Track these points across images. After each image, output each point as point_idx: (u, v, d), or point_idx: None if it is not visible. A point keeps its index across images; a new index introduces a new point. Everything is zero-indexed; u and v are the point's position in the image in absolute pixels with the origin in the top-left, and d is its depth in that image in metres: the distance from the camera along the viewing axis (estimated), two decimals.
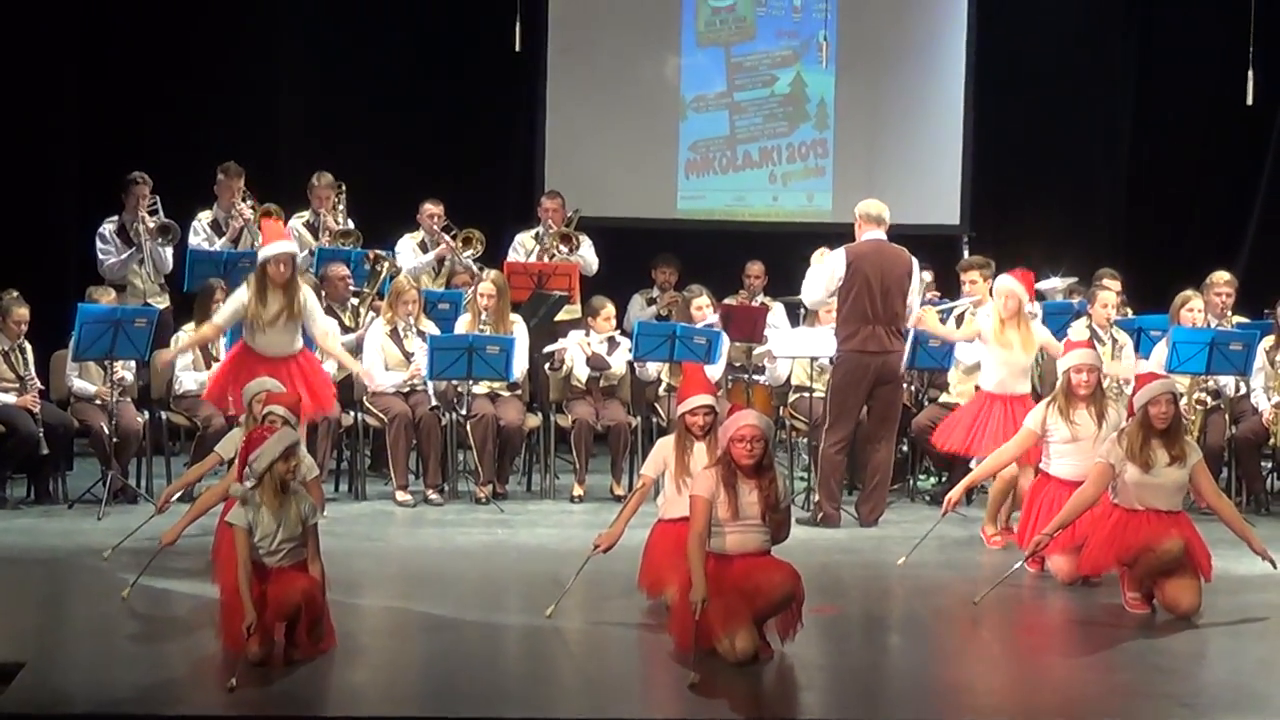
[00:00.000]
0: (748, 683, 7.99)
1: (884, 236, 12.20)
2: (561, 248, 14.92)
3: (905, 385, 13.51)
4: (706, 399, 9.20)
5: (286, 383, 10.76)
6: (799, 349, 13.03)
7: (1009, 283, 11.72)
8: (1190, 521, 9.68)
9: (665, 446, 9.39)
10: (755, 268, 15.39)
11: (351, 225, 14.73)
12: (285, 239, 12.22)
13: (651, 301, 15.63)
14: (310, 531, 8.23)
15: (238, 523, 8.11)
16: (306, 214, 14.72)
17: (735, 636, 8.07)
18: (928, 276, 15.47)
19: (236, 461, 8.73)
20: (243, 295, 11.83)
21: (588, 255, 15.08)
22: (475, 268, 14.48)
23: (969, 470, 12.95)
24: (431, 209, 14.79)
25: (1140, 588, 9.47)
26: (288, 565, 8.15)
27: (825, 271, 12.16)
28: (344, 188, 14.80)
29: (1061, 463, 10.51)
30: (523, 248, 15.06)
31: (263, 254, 11.92)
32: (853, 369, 12.04)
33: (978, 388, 12.03)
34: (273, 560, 8.12)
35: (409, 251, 14.69)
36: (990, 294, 12.19)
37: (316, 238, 14.59)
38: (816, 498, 12.26)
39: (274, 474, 8.14)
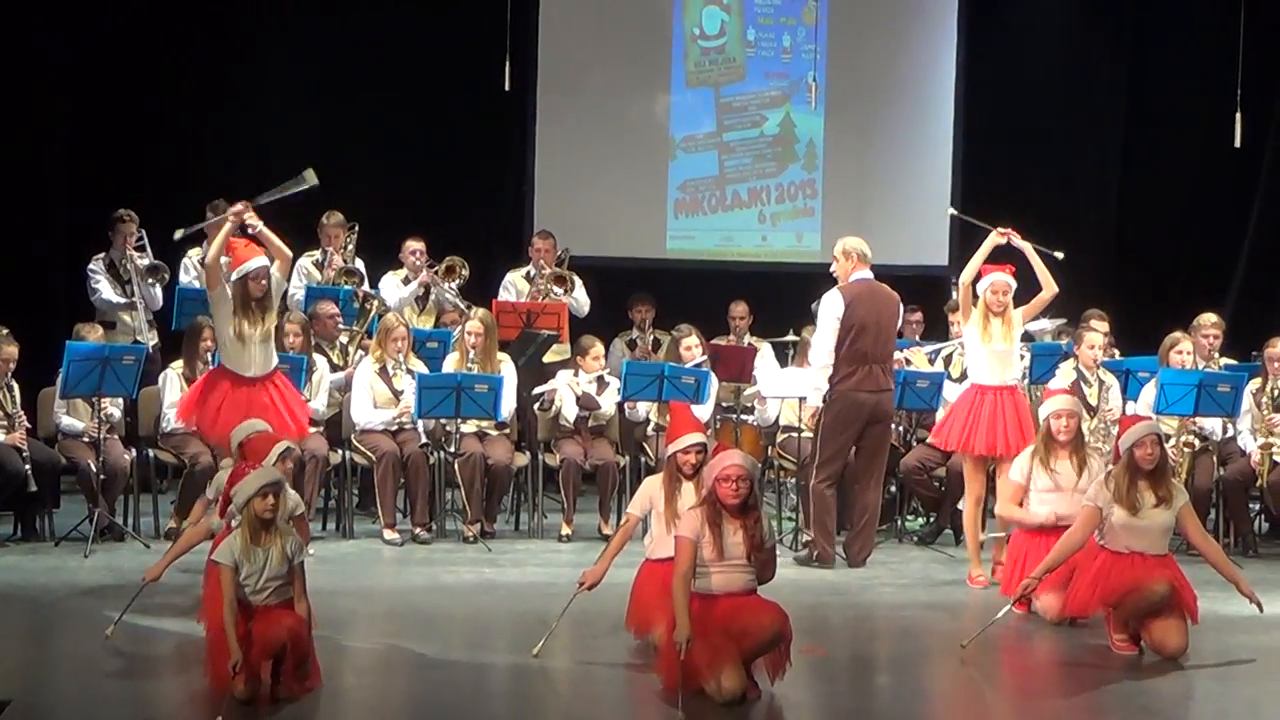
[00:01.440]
0: None
1: (872, 275, 12.21)
2: (556, 289, 14.92)
3: (894, 426, 13.54)
4: (699, 437, 9.21)
5: (265, 405, 10.83)
6: (788, 389, 13.02)
7: (1003, 277, 11.64)
8: (1176, 564, 9.69)
9: (652, 486, 9.39)
10: (739, 308, 15.40)
11: (360, 265, 14.71)
12: (261, 254, 12.05)
13: (632, 343, 15.61)
14: (296, 570, 8.22)
15: (223, 561, 8.10)
16: (316, 252, 14.73)
17: (722, 676, 8.06)
18: (917, 317, 15.53)
19: (220, 498, 8.72)
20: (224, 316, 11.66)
21: (581, 297, 15.07)
22: (462, 304, 14.48)
23: (958, 511, 13.00)
24: (413, 245, 14.77)
25: (1126, 629, 9.47)
26: (274, 604, 8.13)
27: (828, 318, 12.07)
28: (356, 227, 14.80)
29: (1044, 510, 10.54)
30: (514, 287, 15.05)
31: (243, 269, 11.65)
32: (848, 408, 12.02)
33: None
34: (259, 598, 8.10)
35: (392, 289, 14.67)
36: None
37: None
38: (805, 537, 12.25)
39: (252, 510, 8.14)
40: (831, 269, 12.29)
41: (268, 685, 8.01)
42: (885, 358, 12.09)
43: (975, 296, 11.68)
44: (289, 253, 12.05)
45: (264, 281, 11.67)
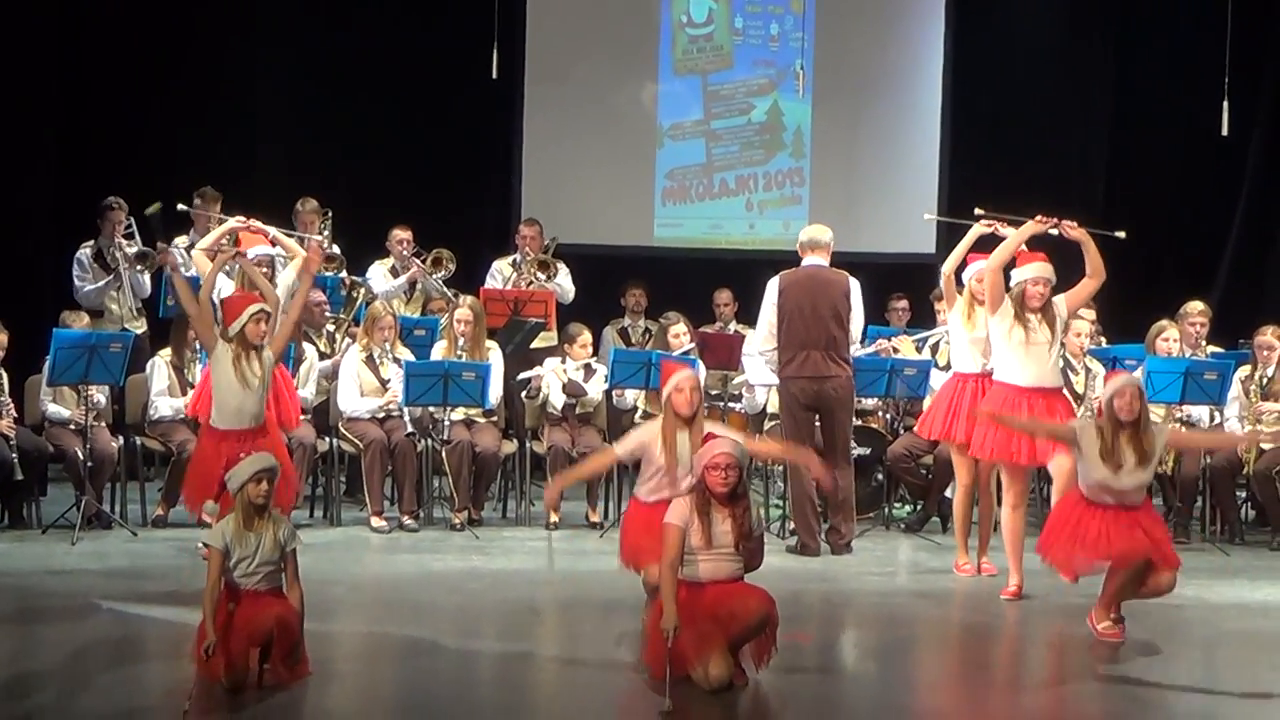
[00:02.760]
0: (722, 711, 7.99)
1: (823, 262, 12.23)
2: (539, 275, 14.94)
3: (881, 414, 13.56)
4: (691, 373, 9.25)
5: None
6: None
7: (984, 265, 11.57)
8: (1153, 510, 9.70)
9: (646, 432, 9.33)
10: (723, 295, 15.44)
11: (337, 250, 14.71)
12: (264, 243, 12.09)
13: (623, 331, 15.62)
14: (289, 556, 8.22)
15: (214, 544, 8.11)
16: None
17: (709, 664, 8.06)
18: (903, 305, 15.55)
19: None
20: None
21: (565, 283, 15.09)
22: (450, 293, 14.48)
23: (945, 499, 13.02)
24: (400, 234, 14.78)
25: (1118, 601, 9.44)
26: (264, 589, 8.13)
27: (765, 304, 12.20)
28: (330, 214, 14.79)
29: (1017, 369, 10.67)
30: (500, 274, 15.06)
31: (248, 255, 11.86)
32: (793, 394, 12.07)
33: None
34: (249, 583, 8.10)
35: (379, 278, 14.68)
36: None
37: None
38: (792, 525, 12.26)
39: (245, 495, 8.14)
40: None
41: (254, 673, 8.01)
42: (827, 344, 12.05)
43: (960, 285, 11.66)
44: (303, 251, 12.07)
45: (264, 269, 11.72)
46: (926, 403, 13.01)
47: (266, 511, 8.19)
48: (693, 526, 8.22)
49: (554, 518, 12.94)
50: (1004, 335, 10.71)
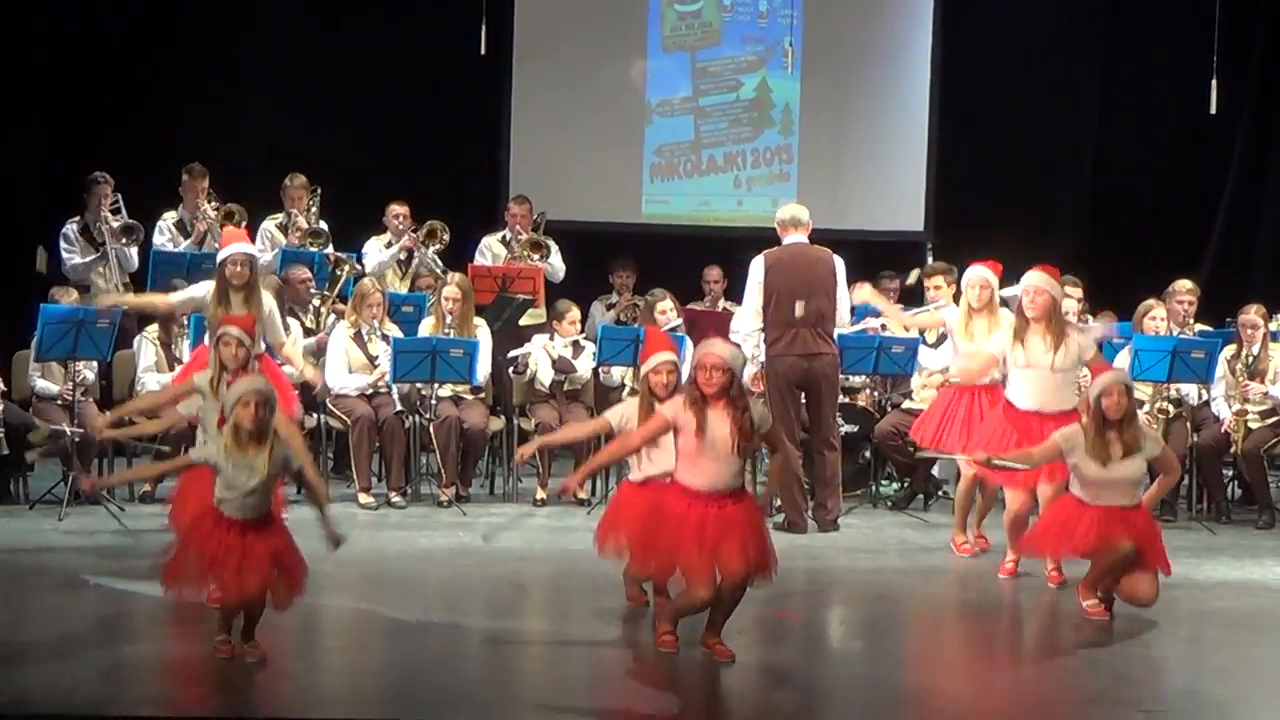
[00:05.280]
0: (709, 688, 8.01)
1: (804, 239, 12.25)
2: (532, 256, 14.93)
3: (869, 391, 13.56)
4: (669, 356, 9.11)
5: None
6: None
7: (982, 272, 11.52)
8: (1148, 513, 9.69)
9: (631, 406, 9.31)
10: (713, 273, 15.44)
11: (324, 226, 14.69)
12: (243, 240, 11.97)
13: (611, 306, 15.64)
14: (285, 471, 8.20)
15: (198, 460, 8.18)
16: (280, 215, 14.70)
17: (697, 588, 8.11)
18: (894, 283, 15.55)
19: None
20: (203, 289, 11.43)
21: (556, 263, 15.08)
22: (439, 270, 14.47)
23: (931, 477, 13.05)
24: (397, 209, 14.79)
25: (1095, 592, 9.45)
26: (252, 519, 8.02)
27: (750, 283, 12.19)
28: (318, 190, 14.77)
29: (1018, 390, 10.56)
30: (489, 252, 15.06)
31: (220, 255, 11.41)
32: (780, 373, 12.07)
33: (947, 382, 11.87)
34: (237, 505, 7.99)
35: (375, 253, 14.68)
36: (954, 299, 12.19)
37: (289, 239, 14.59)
38: (779, 503, 12.27)
39: (235, 418, 8.01)
40: None
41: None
42: (817, 320, 12.06)
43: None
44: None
45: (239, 267, 11.21)
46: (914, 380, 13.05)
47: (261, 439, 8.03)
48: (684, 421, 8.14)
49: (541, 494, 12.95)
50: (1008, 353, 10.66)
